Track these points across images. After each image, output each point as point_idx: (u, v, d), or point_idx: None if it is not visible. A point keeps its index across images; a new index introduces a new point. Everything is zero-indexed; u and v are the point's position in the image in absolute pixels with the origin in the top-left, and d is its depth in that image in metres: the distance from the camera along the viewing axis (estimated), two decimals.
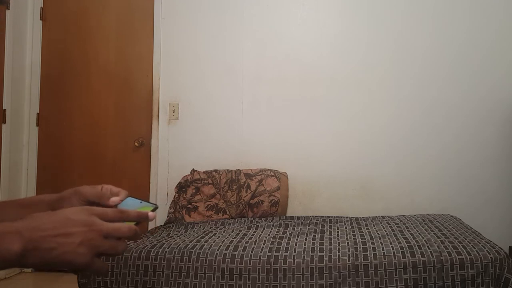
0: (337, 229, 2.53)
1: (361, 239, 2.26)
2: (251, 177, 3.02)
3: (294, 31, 3.21)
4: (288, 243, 2.21)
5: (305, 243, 2.22)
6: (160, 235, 2.48)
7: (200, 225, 2.72)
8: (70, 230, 0.53)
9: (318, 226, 2.62)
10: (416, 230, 2.38)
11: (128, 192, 0.73)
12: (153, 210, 0.68)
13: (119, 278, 2.08)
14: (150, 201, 0.71)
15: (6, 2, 0.75)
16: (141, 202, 0.70)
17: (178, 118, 3.26)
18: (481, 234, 2.33)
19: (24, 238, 0.51)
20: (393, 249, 2.07)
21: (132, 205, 0.70)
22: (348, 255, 2.04)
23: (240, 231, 2.51)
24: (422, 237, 2.22)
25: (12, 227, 0.51)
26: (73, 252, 0.53)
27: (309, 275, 1.99)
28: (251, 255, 2.08)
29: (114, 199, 0.70)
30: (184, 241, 2.26)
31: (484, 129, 3.09)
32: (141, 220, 0.63)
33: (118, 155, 3.31)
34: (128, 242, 0.62)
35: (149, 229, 3.07)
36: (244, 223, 2.72)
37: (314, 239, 2.30)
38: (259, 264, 2.03)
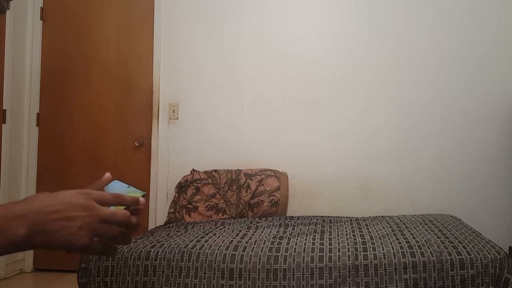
0: (337, 229, 2.53)
1: (361, 239, 2.26)
2: (251, 177, 3.02)
3: (294, 30, 3.21)
4: (288, 243, 2.21)
5: (305, 243, 2.22)
6: (160, 235, 2.48)
7: (200, 225, 2.72)
8: (72, 214, 0.58)
9: (318, 226, 2.62)
10: (416, 230, 2.38)
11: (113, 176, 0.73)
12: (142, 197, 0.69)
13: (119, 278, 2.08)
14: (139, 189, 0.71)
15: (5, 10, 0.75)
16: (128, 186, 0.71)
17: (178, 118, 3.26)
18: (481, 234, 2.33)
19: (29, 221, 0.55)
20: (393, 249, 2.07)
21: (119, 188, 0.70)
22: (348, 255, 2.04)
23: (240, 231, 2.50)
24: (422, 237, 2.22)
25: (18, 211, 0.55)
26: (74, 235, 0.57)
27: (309, 275, 1.99)
28: (251, 255, 2.08)
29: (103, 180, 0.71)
30: (184, 241, 2.26)
31: (484, 129, 3.09)
32: (134, 204, 0.66)
33: (118, 155, 3.31)
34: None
35: (149, 229, 3.07)
36: (244, 223, 2.72)
37: (314, 239, 2.30)
38: (259, 264, 2.03)
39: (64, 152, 3.36)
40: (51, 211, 0.57)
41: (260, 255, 2.07)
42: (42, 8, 3.38)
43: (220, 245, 2.16)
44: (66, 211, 0.58)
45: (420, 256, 1.99)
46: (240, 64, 3.22)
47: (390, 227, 2.48)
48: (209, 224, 2.75)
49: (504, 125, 3.07)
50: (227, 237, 2.35)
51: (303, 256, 2.05)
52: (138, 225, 0.66)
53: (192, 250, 2.12)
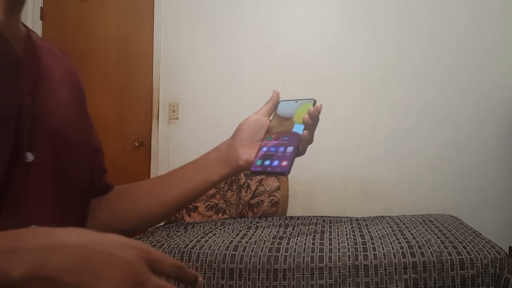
0: (337, 229, 2.53)
1: (361, 239, 2.26)
2: (251, 177, 3.02)
3: (294, 30, 3.21)
4: (288, 243, 2.21)
5: (305, 243, 2.22)
6: (160, 235, 2.48)
7: (200, 225, 2.72)
8: (104, 270, 0.36)
9: (318, 226, 2.62)
10: (416, 230, 2.38)
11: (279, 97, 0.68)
12: (313, 105, 0.62)
13: None
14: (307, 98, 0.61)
15: None
16: (296, 101, 0.63)
17: (178, 118, 3.26)
18: (481, 234, 2.33)
19: (33, 261, 0.35)
20: (393, 249, 2.07)
21: (287, 107, 0.64)
22: (348, 255, 2.04)
23: (240, 231, 2.50)
24: (422, 237, 2.22)
25: (20, 242, 0.36)
26: None
27: (309, 275, 1.99)
28: (251, 255, 2.08)
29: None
30: (184, 241, 2.26)
31: (484, 128, 3.08)
32: (194, 285, 0.44)
33: (118, 155, 3.31)
34: None
35: (149, 229, 3.07)
36: (244, 223, 2.72)
37: (314, 239, 2.30)
38: (259, 264, 2.03)
39: None
40: (72, 255, 0.36)
41: (260, 255, 2.07)
42: (42, 8, 3.38)
43: (220, 245, 2.16)
44: (97, 262, 0.36)
45: (420, 256, 1.99)
46: (240, 63, 3.22)
47: (390, 227, 2.48)
48: (209, 224, 2.75)
49: (504, 125, 3.07)
50: (227, 237, 2.35)
51: (303, 256, 2.05)
52: None
53: (192, 250, 2.12)
